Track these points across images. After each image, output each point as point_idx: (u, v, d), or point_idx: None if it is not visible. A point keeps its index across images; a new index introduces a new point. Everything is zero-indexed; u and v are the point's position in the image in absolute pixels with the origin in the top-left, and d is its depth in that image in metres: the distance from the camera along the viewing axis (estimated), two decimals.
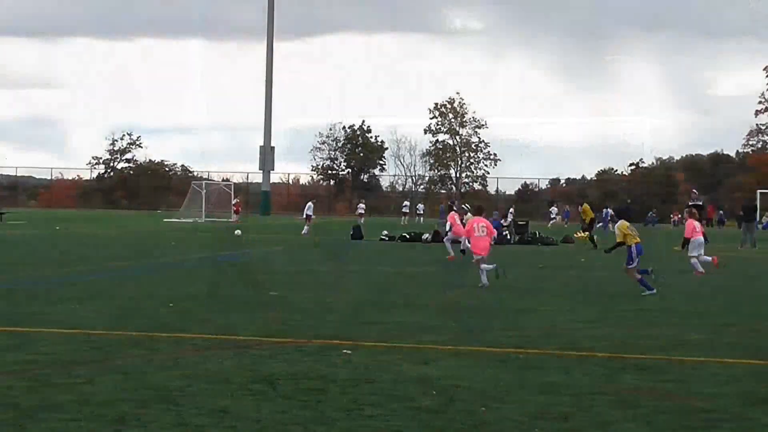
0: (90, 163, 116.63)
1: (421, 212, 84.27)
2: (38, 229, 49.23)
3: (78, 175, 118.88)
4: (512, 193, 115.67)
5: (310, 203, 52.62)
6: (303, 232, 48.85)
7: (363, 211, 75.11)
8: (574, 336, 14.67)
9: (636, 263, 21.00)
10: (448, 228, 33.74)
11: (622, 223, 21.46)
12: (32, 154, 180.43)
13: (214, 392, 10.07)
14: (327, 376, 11.03)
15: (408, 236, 45.91)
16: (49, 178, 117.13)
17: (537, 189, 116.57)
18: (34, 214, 76.16)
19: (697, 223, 27.49)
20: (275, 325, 15.24)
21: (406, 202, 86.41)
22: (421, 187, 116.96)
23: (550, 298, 20.19)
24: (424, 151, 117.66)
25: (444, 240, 34.75)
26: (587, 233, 42.51)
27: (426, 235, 44.91)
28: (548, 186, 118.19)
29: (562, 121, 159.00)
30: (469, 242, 24.24)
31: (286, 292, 20.25)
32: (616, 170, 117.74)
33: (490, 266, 22.37)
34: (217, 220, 70.16)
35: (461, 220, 31.76)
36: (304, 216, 50.94)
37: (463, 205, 38.81)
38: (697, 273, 26.21)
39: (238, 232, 48.07)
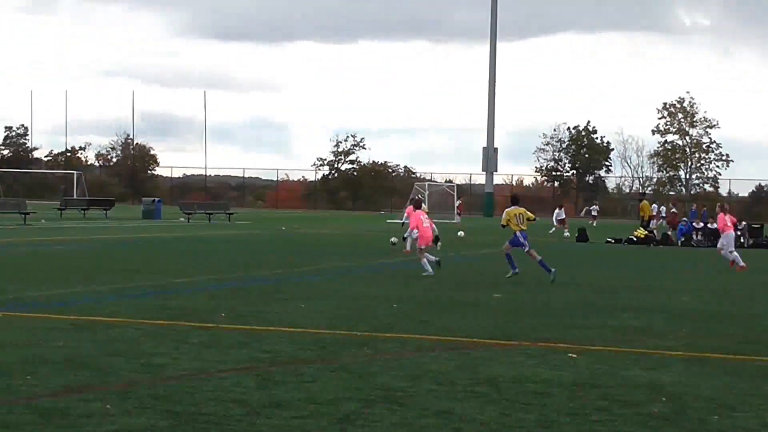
0: (315, 164, 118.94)
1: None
2: (264, 229, 50.53)
3: (303, 177, 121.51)
4: (745, 195, 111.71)
5: (558, 210, 53.60)
6: (557, 233, 50.08)
7: (596, 214, 73.73)
8: None
9: None
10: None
11: None
12: (259, 156, 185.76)
13: (437, 393, 10.03)
14: (551, 380, 10.84)
15: (635, 239, 45.05)
16: (275, 179, 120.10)
17: None
18: (260, 215, 78.29)
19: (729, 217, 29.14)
20: (498, 327, 15.13)
21: (655, 205, 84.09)
22: (649, 188, 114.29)
23: None
24: (652, 152, 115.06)
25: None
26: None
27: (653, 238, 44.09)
28: None
29: None
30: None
31: (510, 293, 20.11)
32: None
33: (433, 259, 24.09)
34: (439, 221, 70.48)
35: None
36: (556, 221, 52.43)
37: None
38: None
39: (461, 233, 48.09)
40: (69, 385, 9.96)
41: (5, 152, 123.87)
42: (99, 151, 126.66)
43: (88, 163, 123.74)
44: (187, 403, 9.28)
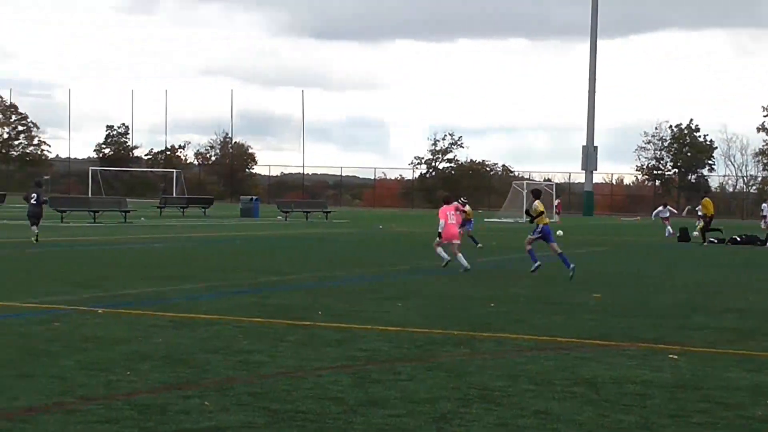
0: (412, 162, 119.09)
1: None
2: (361, 227, 50.69)
3: (400, 175, 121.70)
4: None
5: (661, 207, 52.92)
6: (666, 234, 49.48)
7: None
8: None
9: None
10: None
11: None
12: (356, 155, 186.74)
13: (535, 393, 9.92)
14: (651, 381, 10.66)
15: (739, 239, 44.22)
16: (372, 177, 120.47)
17: None
18: (357, 214, 78.55)
19: None
20: (596, 327, 14.94)
21: (765, 204, 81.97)
22: (753, 188, 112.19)
23: None
24: (757, 150, 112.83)
25: None
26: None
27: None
28: None
29: None
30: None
31: (609, 293, 19.87)
32: None
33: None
34: None
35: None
36: (659, 217, 51.79)
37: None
38: None
39: (559, 232, 47.72)
40: (168, 381, 10.05)
41: (106, 151, 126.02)
42: (198, 150, 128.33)
43: (188, 161, 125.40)
44: (284, 400, 9.30)
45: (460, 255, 24.46)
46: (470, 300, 18.15)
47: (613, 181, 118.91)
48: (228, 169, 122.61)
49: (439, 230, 25.28)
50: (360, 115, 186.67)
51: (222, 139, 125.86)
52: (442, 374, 10.80)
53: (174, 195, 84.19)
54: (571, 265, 22.78)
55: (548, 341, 13.43)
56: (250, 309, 15.94)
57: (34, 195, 32.85)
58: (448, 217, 25.06)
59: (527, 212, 25.26)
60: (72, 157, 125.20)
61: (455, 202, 27.06)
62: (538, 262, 23.70)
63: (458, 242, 25.30)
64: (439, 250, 25.02)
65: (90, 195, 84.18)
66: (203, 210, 66.13)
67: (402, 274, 22.21)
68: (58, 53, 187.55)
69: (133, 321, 14.24)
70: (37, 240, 30.97)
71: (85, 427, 8.14)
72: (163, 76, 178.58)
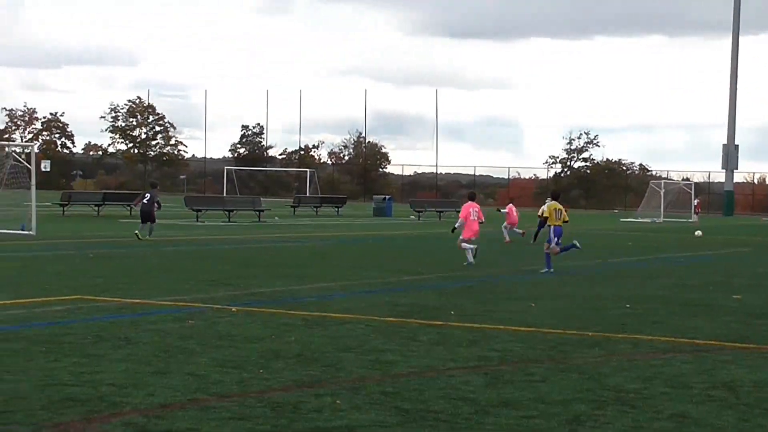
0: (547, 162, 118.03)
1: None
2: (494, 227, 50.32)
3: (535, 174, 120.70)
4: None
5: None
6: None
7: None
8: None
9: None
10: None
11: None
12: (490, 154, 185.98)
13: (671, 396, 9.70)
14: None
15: None
16: (506, 177, 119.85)
17: None
18: (490, 213, 78.09)
19: None
20: (736, 329, 14.56)
21: None
22: None
23: None
24: None
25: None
26: None
27: None
28: None
29: None
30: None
31: (750, 295, 19.36)
32: None
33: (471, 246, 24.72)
34: (675, 220, 68.76)
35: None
36: None
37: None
38: None
39: (698, 233, 46.81)
40: (300, 379, 10.10)
41: (242, 150, 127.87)
42: (332, 150, 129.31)
43: (321, 161, 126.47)
44: (415, 400, 9.26)
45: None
46: (604, 301, 17.87)
47: (755, 180, 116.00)
48: (361, 168, 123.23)
49: (455, 226, 25.70)
50: (494, 114, 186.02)
51: (355, 139, 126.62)
52: (575, 376, 10.64)
53: (307, 194, 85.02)
54: (551, 270, 23.01)
55: (686, 343, 13.13)
56: (383, 308, 15.95)
57: (148, 195, 33.65)
58: (471, 213, 25.14)
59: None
60: (207, 156, 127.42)
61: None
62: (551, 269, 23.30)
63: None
64: (464, 245, 25.05)
65: (225, 194, 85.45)
66: (336, 209, 66.58)
67: (535, 275, 21.96)
68: (194, 55, 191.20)
69: (267, 319, 14.36)
70: (139, 238, 31.56)
71: (219, 424, 8.21)
72: (297, 76, 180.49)
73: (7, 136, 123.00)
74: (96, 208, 52.88)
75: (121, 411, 8.55)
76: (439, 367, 11.01)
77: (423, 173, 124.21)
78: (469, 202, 25.79)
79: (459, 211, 65.39)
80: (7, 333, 12.45)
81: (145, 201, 33.50)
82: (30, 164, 36.16)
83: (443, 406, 9.03)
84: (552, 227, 23.47)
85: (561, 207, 23.89)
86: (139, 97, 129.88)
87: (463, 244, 24.91)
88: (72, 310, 14.88)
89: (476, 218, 25.23)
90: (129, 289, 17.75)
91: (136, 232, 32.15)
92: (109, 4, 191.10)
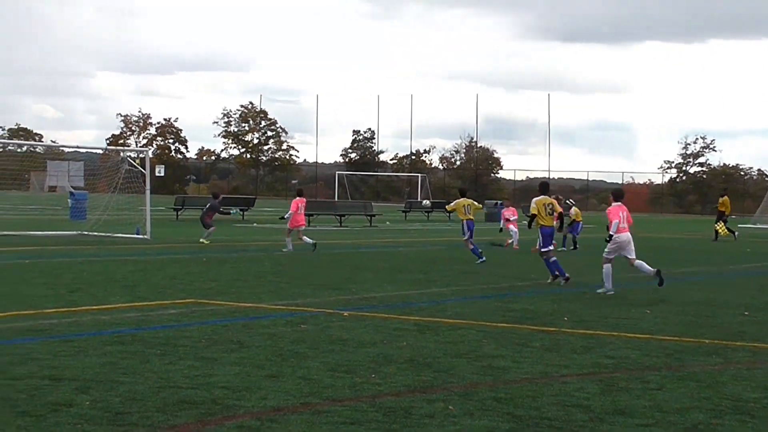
0: (662, 167, 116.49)
1: None
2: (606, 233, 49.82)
3: (649, 179, 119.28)
4: None
5: None
6: None
7: None
8: None
9: None
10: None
11: None
12: (603, 159, 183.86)
13: None
14: None
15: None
16: (619, 182, 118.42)
17: None
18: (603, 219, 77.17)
19: None
20: None
21: None
22: None
23: None
24: None
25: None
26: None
27: None
28: None
29: None
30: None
31: None
32: None
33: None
34: None
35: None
36: None
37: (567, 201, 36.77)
38: None
39: None
40: (412, 384, 10.05)
41: (353, 155, 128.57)
42: (443, 154, 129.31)
43: (432, 166, 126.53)
44: (528, 406, 9.15)
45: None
46: (722, 308, 17.50)
47: None
48: (473, 173, 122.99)
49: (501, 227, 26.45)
50: (607, 119, 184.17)
51: (467, 144, 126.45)
52: (692, 384, 10.41)
53: (419, 199, 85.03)
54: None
55: None
56: (495, 314, 15.84)
57: (208, 203, 34.39)
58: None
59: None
60: (319, 161, 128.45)
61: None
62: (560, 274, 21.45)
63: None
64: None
65: (336, 199, 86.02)
66: (448, 214, 66.44)
67: (650, 281, 21.60)
68: (305, 60, 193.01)
69: (378, 324, 14.35)
70: (203, 243, 31.80)
71: (331, 428, 8.20)
72: (408, 81, 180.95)
73: (122, 141, 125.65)
74: (174, 212, 53.55)
75: (234, 414, 8.59)
76: (552, 373, 10.87)
77: (535, 178, 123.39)
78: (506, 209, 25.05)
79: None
80: (123, 336, 12.64)
81: (204, 209, 34.25)
82: (144, 169, 36.83)
83: (557, 413, 8.91)
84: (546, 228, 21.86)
85: (552, 201, 22.15)
86: (251, 103, 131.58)
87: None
88: (186, 314, 15.05)
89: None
90: (242, 293, 17.91)
91: (202, 239, 32.46)
92: (221, 11, 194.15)
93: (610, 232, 19.62)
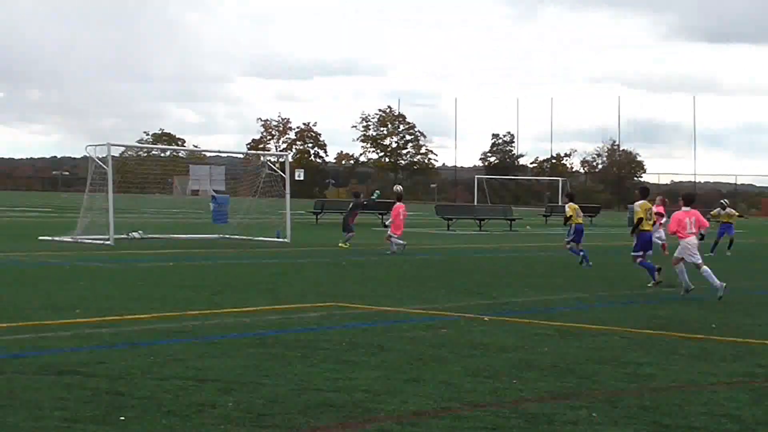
0: None
1: None
2: (758, 238, 48.55)
3: None
4: None
5: None
6: None
7: None
8: None
9: None
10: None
11: None
12: (753, 162, 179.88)
13: None
14: None
15: None
16: None
17: None
18: (755, 223, 75.41)
19: None
20: None
21: None
22: None
23: None
24: None
25: None
26: None
27: None
28: None
29: None
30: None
31: None
32: None
33: None
34: None
35: None
36: None
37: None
38: None
39: None
40: (554, 390, 9.87)
41: (492, 159, 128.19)
42: (584, 158, 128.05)
43: (573, 169, 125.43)
44: (676, 415, 8.89)
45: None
46: None
47: None
48: (615, 177, 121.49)
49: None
50: (756, 121, 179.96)
51: (609, 147, 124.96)
52: None
53: (560, 203, 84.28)
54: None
55: None
56: (639, 320, 15.52)
57: (351, 203, 34.13)
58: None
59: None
60: (458, 165, 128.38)
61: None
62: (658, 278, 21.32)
63: None
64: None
65: (476, 203, 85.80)
66: (590, 219, 65.71)
67: None
68: (444, 63, 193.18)
69: (519, 329, 14.19)
70: (342, 247, 31.70)
71: None
72: (548, 84, 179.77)
73: (262, 145, 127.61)
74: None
75: (375, 417, 8.55)
76: (700, 381, 10.57)
77: (680, 182, 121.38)
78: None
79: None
80: (265, 338, 12.73)
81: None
82: (284, 173, 37.26)
83: (705, 423, 8.64)
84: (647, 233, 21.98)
85: (651, 206, 22.34)
86: (389, 107, 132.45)
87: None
88: (327, 317, 15.10)
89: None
90: (382, 296, 17.91)
91: (340, 243, 32.37)
92: (359, 16, 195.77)
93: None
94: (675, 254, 20.09)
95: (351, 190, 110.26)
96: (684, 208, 20.00)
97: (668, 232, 20.58)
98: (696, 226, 19.78)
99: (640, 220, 21.70)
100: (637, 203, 22.21)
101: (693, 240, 19.71)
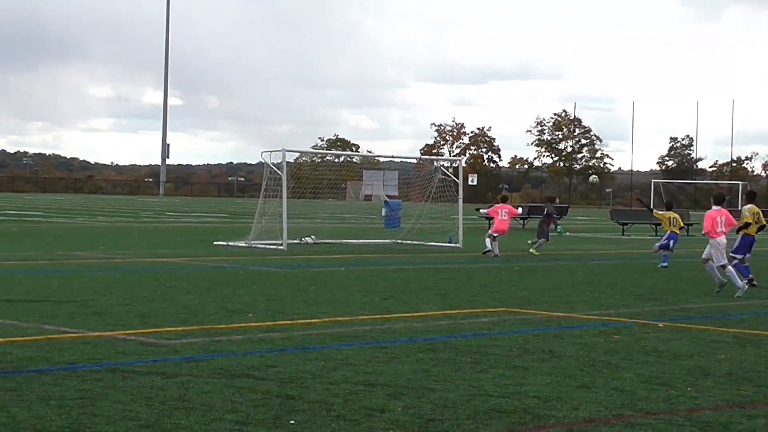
0: None
1: None
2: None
3: None
4: None
5: None
6: None
7: None
8: None
9: None
10: None
11: None
12: None
13: None
14: None
15: None
16: None
17: None
18: None
19: None
20: None
21: None
22: None
23: None
24: None
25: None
26: None
27: None
28: None
29: None
30: None
31: None
32: None
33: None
34: None
35: None
36: None
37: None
38: None
39: None
40: (730, 399, 9.62)
41: (669, 163, 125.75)
42: (766, 161, 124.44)
43: (754, 173, 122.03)
44: None
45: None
46: None
47: None
48: None
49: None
50: None
51: None
52: None
53: (739, 208, 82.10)
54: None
55: None
56: None
57: (545, 209, 33.30)
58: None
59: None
60: (634, 169, 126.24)
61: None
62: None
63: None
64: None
65: (651, 207, 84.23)
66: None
67: None
68: (621, 66, 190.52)
69: (695, 336, 13.87)
70: (532, 253, 31.19)
71: None
72: (729, 86, 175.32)
73: (435, 150, 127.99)
74: (521, 221, 53.53)
75: (545, 424, 8.47)
76: None
77: None
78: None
79: None
80: (435, 343, 12.74)
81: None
82: (457, 178, 37.26)
83: None
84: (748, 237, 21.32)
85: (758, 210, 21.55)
86: (564, 111, 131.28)
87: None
88: (497, 322, 15.04)
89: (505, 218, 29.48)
90: (553, 302, 17.74)
91: (531, 250, 31.86)
92: (535, 20, 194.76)
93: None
94: (703, 254, 20.40)
95: (523, 195, 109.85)
96: (714, 207, 20.22)
97: (702, 231, 20.67)
98: (726, 225, 19.90)
99: (747, 224, 21.28)
100: (745, 207, 22.02)
101: (723, 240, 19.77)
